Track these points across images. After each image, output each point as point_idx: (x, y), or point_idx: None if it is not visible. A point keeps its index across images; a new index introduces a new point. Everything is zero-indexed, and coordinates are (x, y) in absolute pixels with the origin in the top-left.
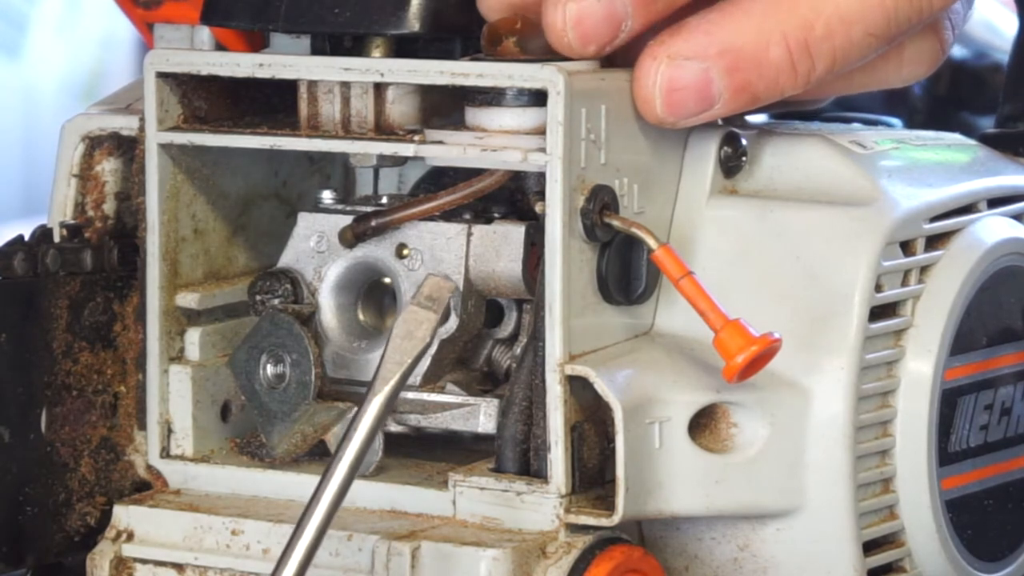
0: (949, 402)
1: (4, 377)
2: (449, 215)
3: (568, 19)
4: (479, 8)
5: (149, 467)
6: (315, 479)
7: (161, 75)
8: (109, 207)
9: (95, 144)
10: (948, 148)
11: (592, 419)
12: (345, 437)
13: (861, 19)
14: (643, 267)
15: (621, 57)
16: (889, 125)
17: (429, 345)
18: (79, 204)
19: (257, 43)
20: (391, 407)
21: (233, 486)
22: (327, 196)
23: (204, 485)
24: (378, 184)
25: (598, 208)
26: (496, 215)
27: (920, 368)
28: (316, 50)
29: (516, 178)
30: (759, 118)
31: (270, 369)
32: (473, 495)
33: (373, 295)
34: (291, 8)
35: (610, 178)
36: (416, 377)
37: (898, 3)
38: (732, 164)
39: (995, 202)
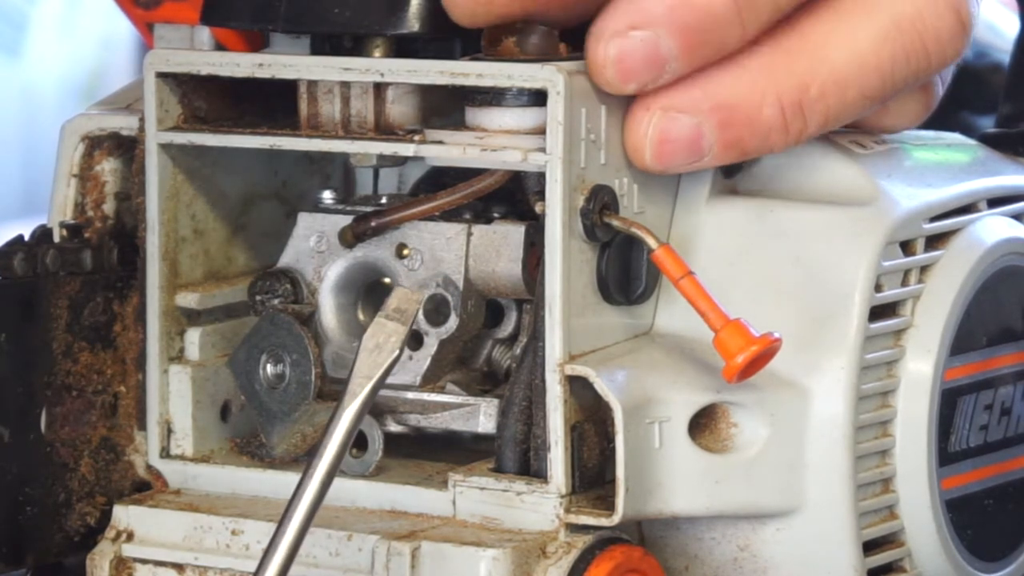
0: (949, 402)
1: (4, 377)
2: (449, 215)
3: (610, 55)
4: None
5: (149, 467)
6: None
7: (161, 75)
8: (109, 207)
9: (95, 144)
10: (948, 148)
11: (592, 419)
12: (316, 452)
13: (857, 82)
14: (643, 267)
15: None
16: None
17: (399, 357)
18: (79, 204)
19: (257, 43)
20: (361, 421)
21: (233, 486)
22: (327, 196)
23: (204, 485)
24: (378, 184)
25: (598, 208)
26: (496, 215)
27: (920, 368)
28: (316, 50)
29: (516, 178)
30: None
31: (270, 369)
32: (473, 495)
33: (373, 295)
34: (291, 8)
35: (610, 178)
36: (416, 377)
37: (895, 66)
38: (732, 164)
39: (995, 202)
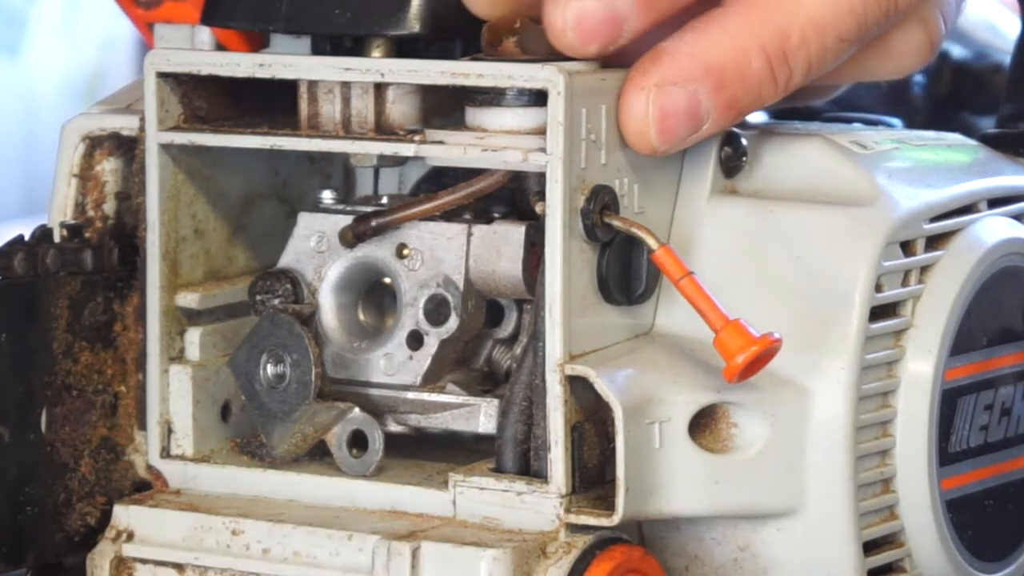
0: (949, 402)
1: (4, 377)
2: (449, 215)
3: (568, 19)
4: (468, 7)
5: (149, 467)
6: (315, 479)
7: (161, 75)
8: (109, 207)
9: (95, 144)
10: (948, 148)
11: (592, 419)
12: None
13: (834, 25)
14: (643, 267)
15: (619, 57)
16: (889, 125)
17: None
18: (79, 204)
19: (257, 43)
20: None
21: (233, 486)
22: (327, 196)
23: (204, 485)
24: (378, 184)
25: (598, 208)
26: (496, 215)
27: (920, 368)
28: (316, 50)
29: (516, 178)
30: (759, 117)
31: (270, 369)
32: (473, 495)
33: (373, 295)
34: (291, 8)
35: (610, 178)
36: (416, 377)
37: (867, 7)
38: (732, 164)
39: (995, 202)
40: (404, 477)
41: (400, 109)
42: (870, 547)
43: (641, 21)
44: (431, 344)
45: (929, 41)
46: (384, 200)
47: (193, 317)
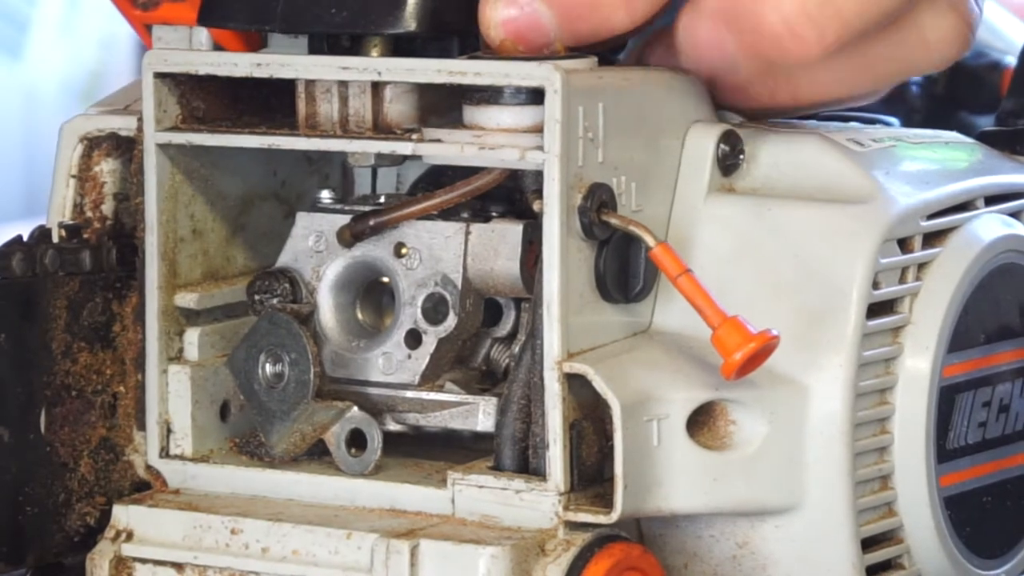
0: (947, 399)
1: (4, 377)
2: (447, 214)
3: (496, 19)
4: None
5: (148, 467)
6: (314, 478)
7: (159, 75)
8: (108, 207)
9: (94, 145)
10: (946, 146)
11: (591, 417)
12: None
13: None
14: (641, 265)
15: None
16: (887, 123)
17: None
18: (78, 204)
19: (255, 43)
20: None
21: (232, 485)
22: (325, 196)
23: (203, 485)
24: (376, 183)
25: (596, 206)
26: (494, 214)
27: (918, 365)
28: (314, 49)
29: (514, 176)
30: None
31: (269, 368)
32: (472, 493)
33: (372, 294)
34: (288, 8)
35: (608, 176)
36: (415, 376)
37: None
38: (730, 162)
39: (992, 200)
40: (403, 476)
41: (398, 108)
42: (868, 543)
43: (569, 37)
44: (429, 343)
45: (966, 26)
46: (382, 199)
47: (192, 317)
